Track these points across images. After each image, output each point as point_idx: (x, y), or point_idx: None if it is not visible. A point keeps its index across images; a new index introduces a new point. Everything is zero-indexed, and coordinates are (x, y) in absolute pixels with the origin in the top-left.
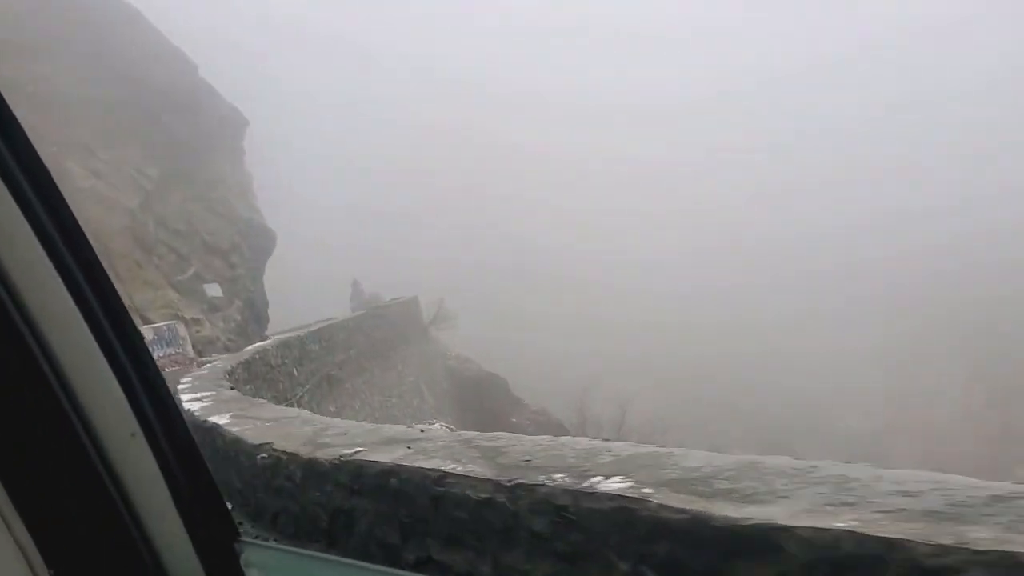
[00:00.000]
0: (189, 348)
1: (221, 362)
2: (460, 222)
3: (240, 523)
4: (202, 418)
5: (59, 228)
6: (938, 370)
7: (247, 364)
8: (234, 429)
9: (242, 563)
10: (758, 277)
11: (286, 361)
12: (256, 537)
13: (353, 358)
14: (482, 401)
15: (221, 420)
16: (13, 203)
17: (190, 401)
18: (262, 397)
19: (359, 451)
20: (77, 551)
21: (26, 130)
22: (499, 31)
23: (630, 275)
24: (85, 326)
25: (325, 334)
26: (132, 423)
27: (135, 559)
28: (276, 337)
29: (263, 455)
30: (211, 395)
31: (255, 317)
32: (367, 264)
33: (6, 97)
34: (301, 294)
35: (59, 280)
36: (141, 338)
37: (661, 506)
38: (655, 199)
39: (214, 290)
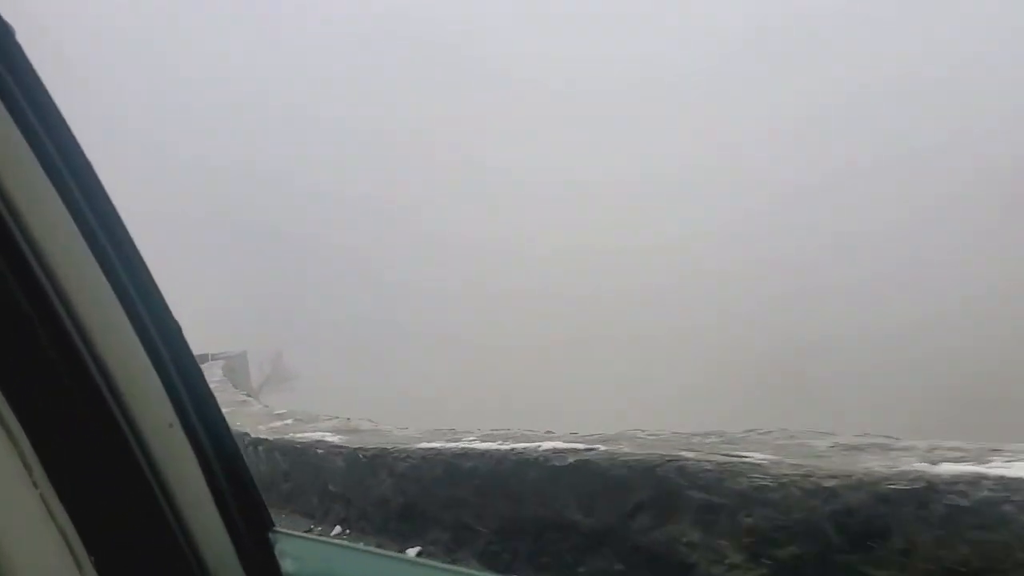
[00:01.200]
0: None
1: None
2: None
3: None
4: None
5: (98, 217)
6: None
7: None
8: None
9: (276, 553)
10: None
11: None
12: None
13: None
14: None
15: None
16: (55, 192)
17: None
18: None
19: None
20: (116, 538)
21: None
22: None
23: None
24: (124, 315)
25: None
26: (169, 413)
27: (173, 547)
28: None
29: None
30: None
31: None
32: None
33: None
34: None
35: (98, 269)
36: (178, 327)
37: None
38: None
39: None
